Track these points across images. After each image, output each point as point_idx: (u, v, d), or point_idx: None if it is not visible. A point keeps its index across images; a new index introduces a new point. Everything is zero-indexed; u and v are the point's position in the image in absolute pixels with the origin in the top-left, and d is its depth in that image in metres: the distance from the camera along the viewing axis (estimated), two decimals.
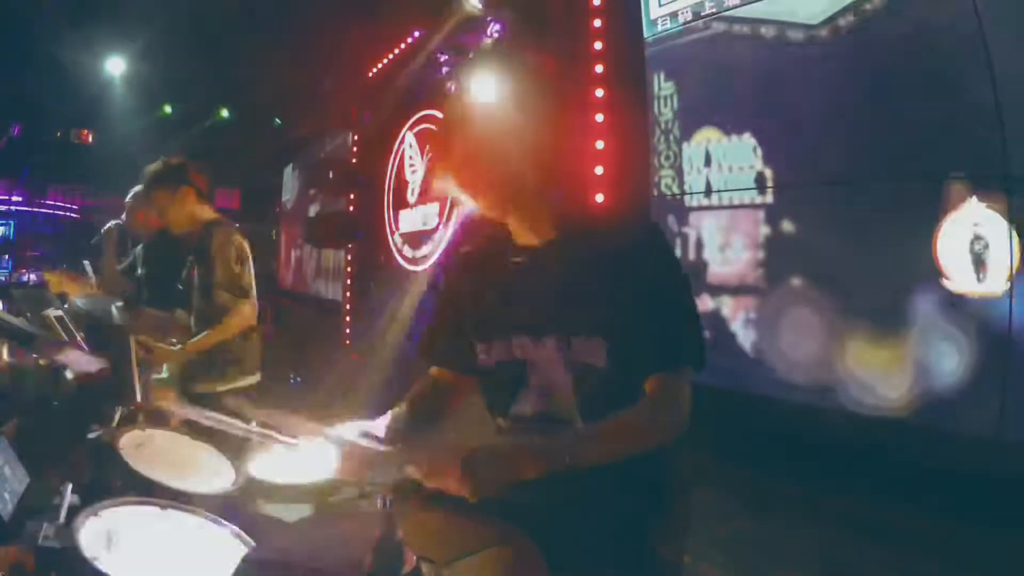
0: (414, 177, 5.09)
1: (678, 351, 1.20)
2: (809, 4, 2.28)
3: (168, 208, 2.67)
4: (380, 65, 5.55)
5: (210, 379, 2.60)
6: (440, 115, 4.68)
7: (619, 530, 1.30)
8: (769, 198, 2.44)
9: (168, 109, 7.45)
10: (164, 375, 2.74)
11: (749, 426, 2.52)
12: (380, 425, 1.25)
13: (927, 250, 1.98)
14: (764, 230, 2.45)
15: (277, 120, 5.89)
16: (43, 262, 11.32)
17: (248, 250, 2.74)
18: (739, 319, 2.52)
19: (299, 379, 6.54)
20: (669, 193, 2.83)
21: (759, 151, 2.47)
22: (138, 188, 4.07)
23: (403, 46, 5.14)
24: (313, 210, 7.36)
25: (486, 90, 1.32)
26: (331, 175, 5.76)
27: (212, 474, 1.87)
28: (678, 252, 2.78)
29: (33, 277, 10.85)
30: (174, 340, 2.70)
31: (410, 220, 5.10)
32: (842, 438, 2.21)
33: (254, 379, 2.76)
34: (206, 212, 2.72)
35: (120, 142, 7.93)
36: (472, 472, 0.99)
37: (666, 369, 1.19)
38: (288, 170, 8.88)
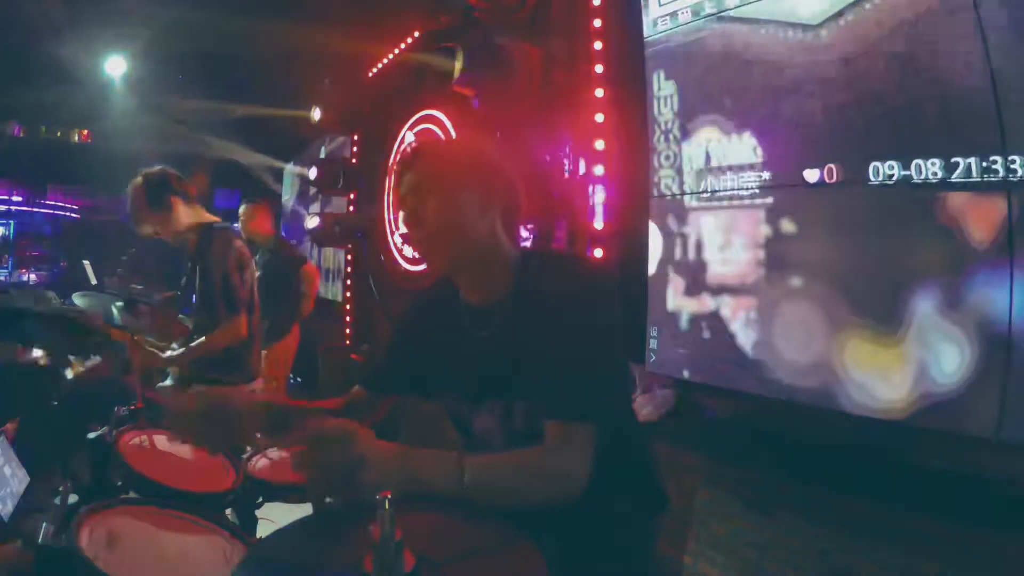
0: None
1: (577, 402, 1.14)
2: (809, 4, 2.28)
3: (159, 222, 2.61)
4: (380, 65, 5.55)
5: (209, 384, 2.59)
6: (441, 115, 4.69)
7: (621, 530, 1.31)
8: (769, 198, 2.44)
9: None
10: (168, 381, 2.75)
11: (749, 426, 2.52)
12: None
13: (927, 251, 1.98)
14: (764, 230, 2.45)
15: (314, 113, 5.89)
16: (43, 262, 11.33)
17: (248, 255, 2.71)
18: (739, 319, 2.52)
19: (299, 379, 6.54)
20: (669, 193, 2.83)
21: (759, 151, 2.47)
22: (247, 203, 4.17)
23: (403, 46, 5.14)
24: (313, 210, 7.37)
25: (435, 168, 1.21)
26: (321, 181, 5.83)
27: (212, 474, 1.87)
28: (678, 252, 2.78)
29: (33, 277, 10.86)
30: (174, 344, 2.70)
31: None
32: (842, 438, 2.21)
33: (254, 383, 2.75)
34: (199, 215, 2.69)
35: (120, 142, 7.93)
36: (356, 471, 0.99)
37: (563, 418, 1.14)
38: (288, 169, 8.88)
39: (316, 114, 5.99)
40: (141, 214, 2.60)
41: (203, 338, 2.54)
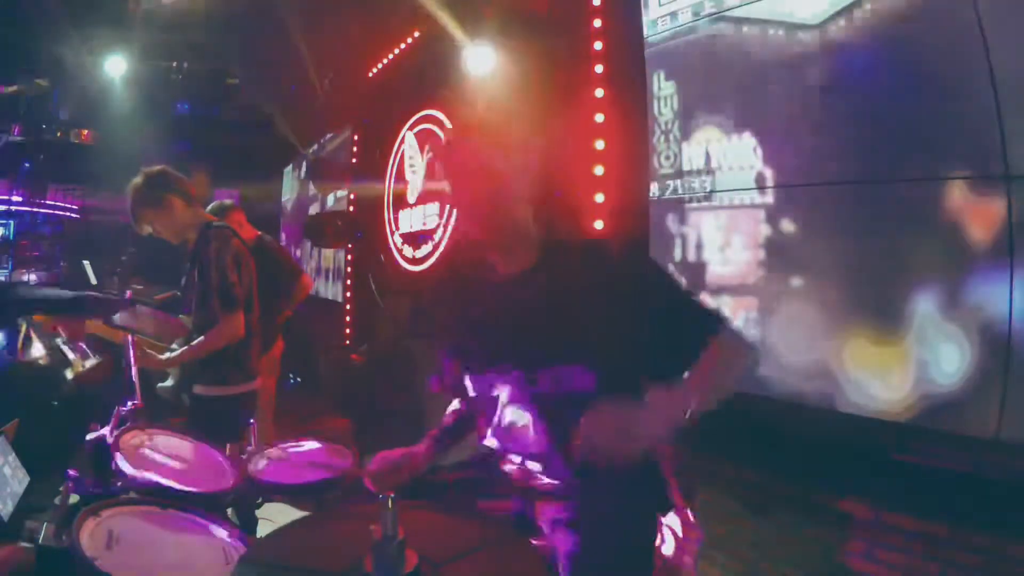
0: (414, 177, 5.09)
1: (715, 318, 1.31)
2: (809, 4, 2.28)
3: (158, 221, 2.60)
4: (380, 65, 5.55)
5: (210, 383, 2.57)
6: (440, 115, 4.69)
7: (623, 529, 1.31)
8: (769, 198, 2.44)
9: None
10: (168, 382, 2.73)
11: (749, 426, 2.52)
12: None
13: (927, 251, 1.98)
14: (764, 230, 2.45)
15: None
16: (43, 262, 11.33)
17: (245, 253, 2.69)
18: (739, 319, 2.52)
19: (299, 379, 6.54)
20: (669, 193, 2.83)
21: (759, 151, 2.47)
22: (216, 204, 4.07)
23: (403, 46, 5.14)
24: (313, 210, 7.37)
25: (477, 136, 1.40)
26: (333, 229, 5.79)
27: (212, 474, 1.87)
28: (678, 252, 2.78)
29: (33, 277, 10.85)
30: (174, 345, 2.69)
31: (410, 220, 5.10)
32: (842, 438, 2.21)
33: (254, 383, 2.73)
34: (198, 215, 2.68)
35: (120, 142, 7.93)
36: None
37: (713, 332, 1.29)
38: (288, 170, 8.89)
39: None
40: (140, 213, 2.59)
41: (201, 337, 2.53)
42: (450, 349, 1.47)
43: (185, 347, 2.56)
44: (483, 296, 1.39)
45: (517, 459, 1.35)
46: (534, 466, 1.33)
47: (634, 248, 1.38)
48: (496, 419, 1.37)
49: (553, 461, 1.30)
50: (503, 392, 1.34)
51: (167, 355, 2.56)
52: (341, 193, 6.55)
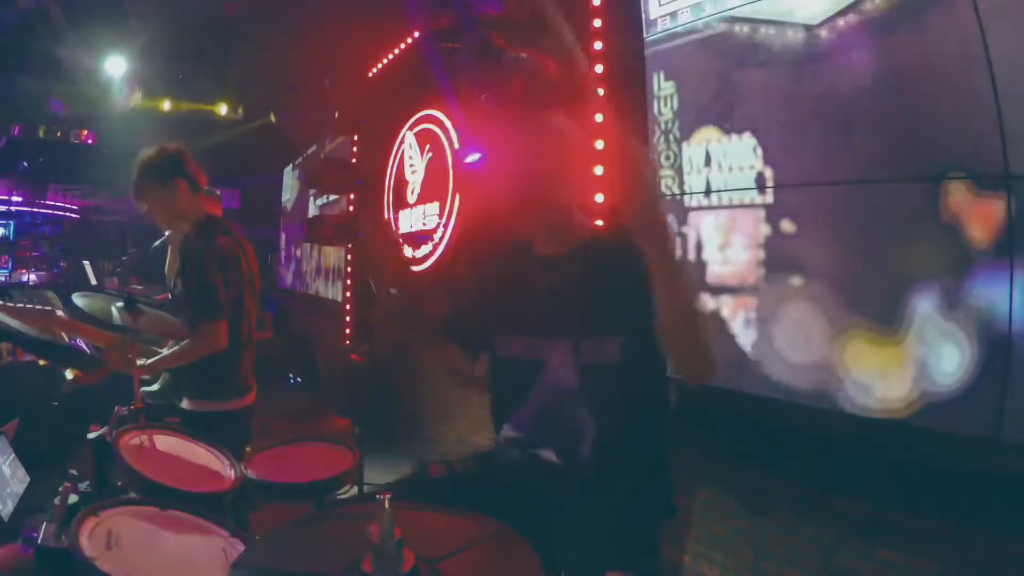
0: (414, 177, 5.09)
1: None
2: (809, 4, 2.28)
3: (157, 200, 2.45)
4: (380, 65, 5.55)
5: (199, 398, 2.41)
6: (441, 115, 4.68)
7: (625, 529, 1.32)
8: (769, 198, 2.44)
9: (166, 106, 7.46)
10: (155, 388, 2.63)
11: (749, 426, 2.52)
12: None
13: (927, 251, 1.98)
14: (764, 230, 2.45)
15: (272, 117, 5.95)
16: (43, 262, 11.34)
17: (235, 254, 2.49)
18: (739, 319, 2.52)
19: (299, 379, 6.54)
20: (669, 193, 2.83)
21: (759, 151, 2.47)
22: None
23: (403, 46, 5.14)
24: (313, 210, 7.37)
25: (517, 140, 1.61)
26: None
27: (212, 474, 1.87)
28: (678, 252, 2.77)
29: (33, 277, 10.86)
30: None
31: (410, 220, 5.10)
32: (842, 438, 2.21)
33: (246, 399, 2.53)
34: (196, 208, 2.51)
35: (120, 142, 7.93)
36: None
37: None
38: (288, 170, 8.89)
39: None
40: (144, 187, 2.45)
41: (179, 346, 2.35)
42: (496, 322, 1.53)
43: (161, 355, 2.40)
44: (530, 270, 1.50)
45: (540, 451, 1.37)
46: (553, 458, 1.35)
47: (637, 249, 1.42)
48: (539, 384, 1.41)
49: (578, 456, 1.33)
50: (549, 358, 1.40)
51: (142, 363, 2.37)
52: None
